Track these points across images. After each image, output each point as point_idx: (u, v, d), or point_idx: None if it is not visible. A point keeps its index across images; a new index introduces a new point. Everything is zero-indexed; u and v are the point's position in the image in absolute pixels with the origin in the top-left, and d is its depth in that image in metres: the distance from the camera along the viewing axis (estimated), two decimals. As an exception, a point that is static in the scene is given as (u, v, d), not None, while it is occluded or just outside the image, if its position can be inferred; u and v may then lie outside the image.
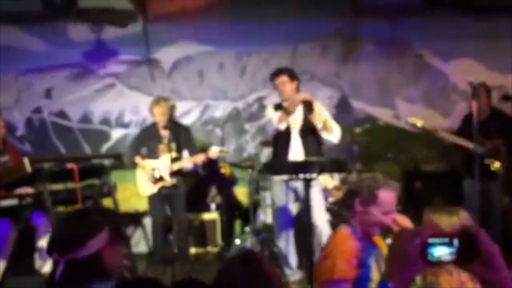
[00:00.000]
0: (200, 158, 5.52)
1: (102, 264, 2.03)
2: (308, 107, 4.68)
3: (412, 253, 1.49)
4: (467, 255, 1.49)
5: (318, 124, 4.69)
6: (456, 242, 1.47)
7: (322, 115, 4.75)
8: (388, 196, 2.57)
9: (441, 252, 1.47)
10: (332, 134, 4.76)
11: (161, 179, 5.51)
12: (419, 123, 5.32)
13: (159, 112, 5.54)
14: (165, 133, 5.61)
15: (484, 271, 1.67)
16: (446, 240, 1.48)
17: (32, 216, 4.74)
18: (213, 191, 6.80)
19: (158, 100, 5.63)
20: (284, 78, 4.75)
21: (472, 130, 4.82)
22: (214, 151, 5.54)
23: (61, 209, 4.95)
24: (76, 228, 2.07)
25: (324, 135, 4.78)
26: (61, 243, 2.07)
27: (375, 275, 2.48)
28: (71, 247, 2.02)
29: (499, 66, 6.81)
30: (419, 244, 1.48)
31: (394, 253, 1.60)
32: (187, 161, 5.60)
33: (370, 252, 2.54)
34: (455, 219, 2.46)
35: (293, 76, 4.80)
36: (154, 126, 5.68)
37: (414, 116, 5.45)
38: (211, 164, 6.57)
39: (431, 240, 1.47)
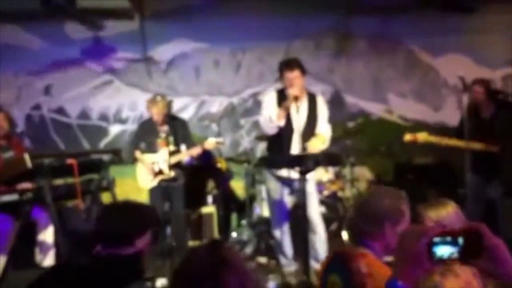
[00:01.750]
0: (196, 150, 5.61)
1: (141, 264, 2.03)
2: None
3: (419, 252, 1.52)
4: (472, 252, 1.51)
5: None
6: (460, 240, 1.51)
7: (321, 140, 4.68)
8: (408, 208, 2.36)
9: (446, 251, 1.51)
10: (324, 144, 4.71)
11: (160, 172, 5.59)
12: (420, 138, 5.11)
13: (156, 111, 5.62)
14: (162, 127, 5.69)
15: (489, 265, 1.69)
16: (451, 239, 1.51)
17: (33, 211, 4.79)
18: (210, 185, 6.89)
19: (155, 99, 5.70)
20: (297, 73, 4.61)
21: (464, 127, 4.79)
22: (210, 142, 5.63)
23: (61, 203, 5.03)
24: (126, 224, 2.05)
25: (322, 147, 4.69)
26: (108, 237, 2.05)
27: None
28: (119, 243, 2.01)
29: (488, 61, 6.93)
30: (425, 243, 1.51)
31: (401, 252, 1.63)
32: (185, 154, 5.68)
33: None
34: (444, 211, 2.53)
35: (304, 71, 4.67)
36: (151, 120, 5.75)
37: (409, 134, 5.22)
38: (208, 158, 6.67)
39: (436, 239, 1.51)
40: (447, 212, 2.55)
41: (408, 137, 5.14)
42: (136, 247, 2.03)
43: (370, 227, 2.32)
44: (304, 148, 4.55)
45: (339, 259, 2.30)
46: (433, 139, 5.10)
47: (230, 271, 1.45)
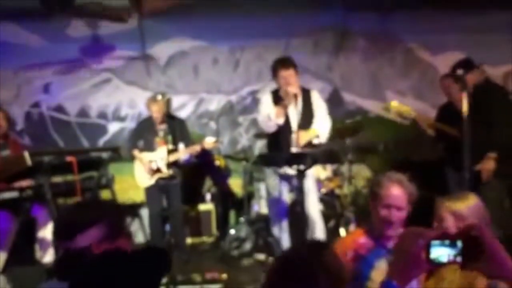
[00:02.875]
0: (195, 149, 5.64)
1: (86, 260, 1.92)
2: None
3: (416, 254, 1.52)
4: (471, 255, 1.51)
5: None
6: (459, 243, 1.50)
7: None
8: (386, 190, 2.52)
9: (444, 253, 1.50)
10: (320, 137, 4.77)
11: (158, 170, 5.62)
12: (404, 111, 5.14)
13: (156, 109, 5.65)
14: (161, 126, 5.72)
15: (488, 267, 1.72)
16: (449, 241, 1.51)
17: (32, 208, 4.82)
18: (208, 182, 6.91)
19: (155, 97, 5.74)
20: (292, 71, 4.67)
21: (462, 122, 4.83)
22: (208, 142, 5.66)
23: (60, 201, 5.06)
24: (71, 220, 2.01)
25: (316, 140, 4.77)
26: (56, 232, 2.05)
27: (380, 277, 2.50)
28: (63, 238, 1.98)
29: (487, 59, 6.91)
30: (423, 245, 1.51)
31: (399, 253, 1.63)
32: (183, 153, 5.71)
33: (379, 254, 2.50)
34: (471, 202, 2.50)
35: (297, 69, 4.73)
36: (150, 119, 5.78)
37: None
38: (206, 156, 6.69)
39: (434, 242, 1.51)
40: (467, 205, 2.49)
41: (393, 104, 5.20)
42: (79, 242, 1.94)
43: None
44: (295, 138, 4.58)
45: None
46: (415, 114, 5.17)
47: (328, 277, 1.48)
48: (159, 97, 5.71)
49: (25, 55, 7.02)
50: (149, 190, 5.73)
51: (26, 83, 7.16)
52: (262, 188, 6.10)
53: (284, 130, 4.69)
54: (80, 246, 1.92)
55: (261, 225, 5.78)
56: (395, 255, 1.67)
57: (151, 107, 5.71)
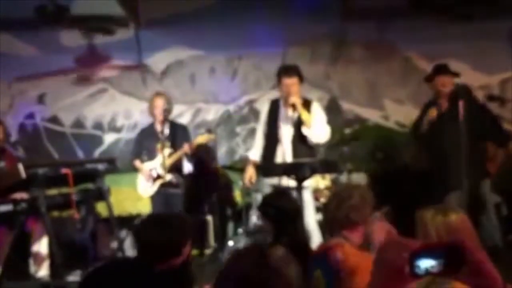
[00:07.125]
0: (186, 147, 5.48)
1: (190, 270, 2.08)
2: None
3: (400, 266, 1.48)
4: (454, 266, 1.48)
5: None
6: (441, 254, 1.48)
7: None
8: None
9: (429, 264, 1.48)
10: (310, 130, 4.71)
11: (158, 177, 5.54)
12: None
13: (159, 104, 5.53)
14: (161, 130, 5.57)
15: (473, 278, 1.70)
16: (433, 252, 1.49)
17: (27, 221, 4.77)
18: (207, 193, 6.84)
19: (158, 93, 5.71)
20: (295, 80, 4.67)
21: (460, 131, 4.86)
22: (202, 136, 5.59)
23: (55, 214, 5.00)
24: (171, 235, 2.05)
25: (305, 131, 4.74)
26: (156, 251, 2.04)
27: None
28: (169, 255, 2.02)
29: (485, 67, 6.94)
30: (407, 257, 1.48)
31: (381, 265, 1.59)
32: (179, 154, 5.54)
33: None
34: (451, 218, 2.42)
35: (302, 79, 4.73)
36: (151, 126, 5.71)
37: None
38: (205, 164, 6.63)
39: (417, 253, 1.48)
40: (452, 219, 2.43)
41: None
42: (184, 255, 2.07)
43: (357, 217, 2.54)
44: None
45: (318, 255, 2.49)
46: None
47: (278, 276, 1.49)
48: (163, 93, 5.68)
49: (20, 66, 6.98)
50: (153, 200, 5.64)
51: (20, 94, 7.11)
52: (260, 198, 6.04)
53: (278, 141, 4.75)
54: (182, 261, 2.06)
55: (260, 236, 5.73)
56: (377, 267, 1.62)
57: (154, 102, 5.58)
